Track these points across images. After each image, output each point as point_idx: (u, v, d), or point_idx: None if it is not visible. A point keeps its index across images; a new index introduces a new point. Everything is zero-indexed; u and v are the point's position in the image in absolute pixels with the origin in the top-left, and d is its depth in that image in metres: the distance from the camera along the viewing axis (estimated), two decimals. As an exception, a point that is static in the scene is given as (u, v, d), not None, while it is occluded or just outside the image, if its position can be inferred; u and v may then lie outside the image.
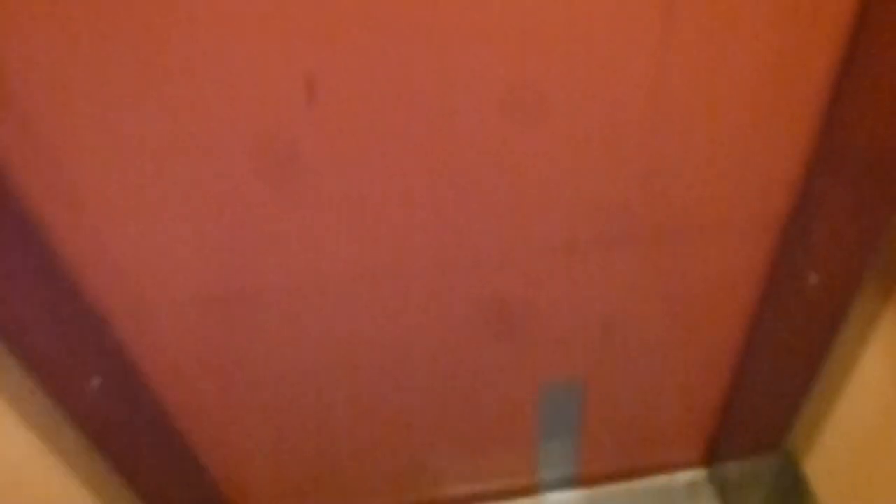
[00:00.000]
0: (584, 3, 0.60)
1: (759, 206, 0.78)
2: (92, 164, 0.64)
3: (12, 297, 0.65)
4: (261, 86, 0.61)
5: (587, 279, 0.84)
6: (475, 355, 0.93)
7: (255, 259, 0.74)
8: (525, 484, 1.19)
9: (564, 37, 0.62)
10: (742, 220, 0.79)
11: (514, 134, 0.68)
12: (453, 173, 0.70)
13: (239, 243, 0.72)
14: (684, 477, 1.22)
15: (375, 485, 1.15)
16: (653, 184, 0.75)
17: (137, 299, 0.76)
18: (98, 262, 0.71)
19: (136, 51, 0.58)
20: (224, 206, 0.69)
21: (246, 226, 0.71)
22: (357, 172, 0.69)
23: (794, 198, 0.77)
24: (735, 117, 0.70)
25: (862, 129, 0.67)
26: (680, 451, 1.19)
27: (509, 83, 0.64)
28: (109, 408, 0.78)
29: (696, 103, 0.68)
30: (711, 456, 1.20)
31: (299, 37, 0.59)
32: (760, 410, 1.01)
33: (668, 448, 1.18)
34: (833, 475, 0.95)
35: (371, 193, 0.71)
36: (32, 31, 0.55)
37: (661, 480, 1.21)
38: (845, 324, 0.79)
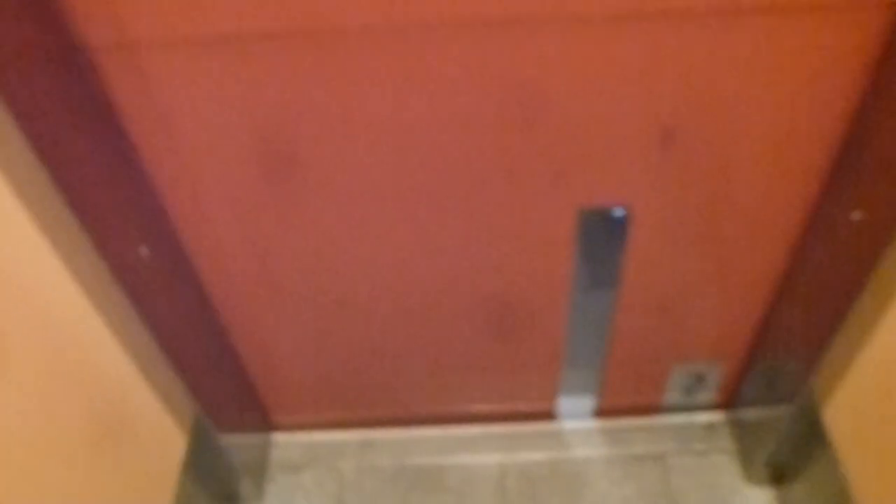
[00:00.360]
0: None
1: (814, 133, 0.78)
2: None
3: (77, 156, 0.68)
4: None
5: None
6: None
7: (302, 135, 0.76)
8: (544, 407, 1.22)
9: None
10: (796, 146, 0.79)
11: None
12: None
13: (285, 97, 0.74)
14: (703, 417, 1.23)
15: (404, 394, 1.19)
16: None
17: (192, 174, 0.79)
18: (155, 130, 0.74)
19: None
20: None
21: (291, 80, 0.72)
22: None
23: (848, 131, 0.76)
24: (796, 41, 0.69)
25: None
26: (703, 396, 1.20)
27: None
28: (153, 277, 0.82)
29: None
30: (733, 399, 1.21)
31: None
32: (787, 355, 1.01)
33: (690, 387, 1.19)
34: (850, 422, 0.96)
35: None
36: None
37: (679, 419, 1.23)
38: (881, 266, 0.78)
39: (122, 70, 0.68)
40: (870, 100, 0.72)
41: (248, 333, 1.05)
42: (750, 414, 1.16)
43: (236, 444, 1.10)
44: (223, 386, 1.06)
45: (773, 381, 1.06)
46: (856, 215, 0.77)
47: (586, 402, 1.22)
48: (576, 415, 1.23)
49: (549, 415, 1.23)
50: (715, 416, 1.23)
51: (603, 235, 0.90)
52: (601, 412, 1.23)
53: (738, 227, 0.90)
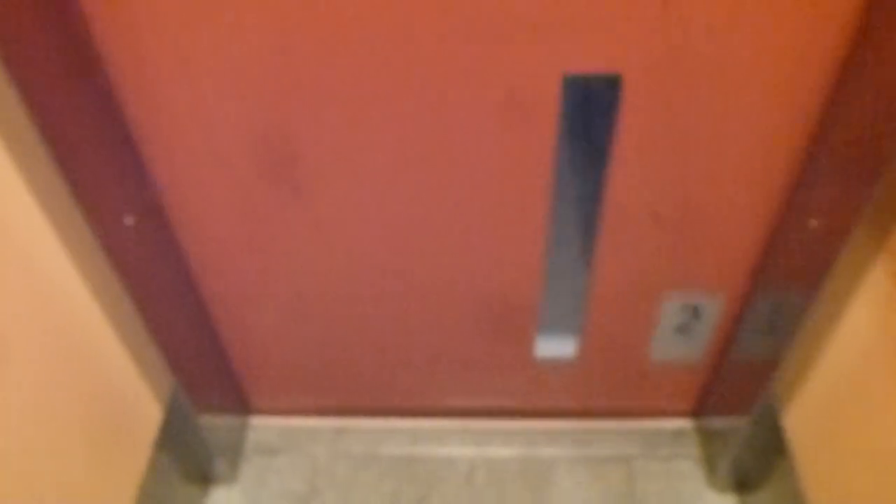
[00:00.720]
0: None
1: (772, 148, 0.81)
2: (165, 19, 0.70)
3: (69, 122, 0.72)
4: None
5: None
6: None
7: (293, 107, 0.79)
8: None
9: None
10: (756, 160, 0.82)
11: None
12: None
13: (280, 96, 0.78)
14: (671, 423, 1.26)
15: (380, 385, 1.22)
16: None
17: (181, 147, 0.82)
18: (147, 103, 0.78)
19: None
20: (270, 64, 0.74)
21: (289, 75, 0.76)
22: None
23: (804, 144, 0.80)
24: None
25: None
26: (670, 399, 1.23)
27: None
28: (138, 248, 0.85)
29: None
30: (700, 408, 1.24)
31: None
32: (750, 363, 1.04)
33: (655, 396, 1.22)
34: (808, 430, 0.98)
35: None
36: None
37: (647, 424, 1.26)
38: (836, 270, 0.81)
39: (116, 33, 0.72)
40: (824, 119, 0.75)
41: (230, 315, 1.08)
42: (715, 421, 1.18)
43: (212, 424, 1.13)
44: (202, 364, 1.09)
45: (738, 385, 1.09)
46: (812, 223, 0.80)
47: (567, 344, 1.15)
48: (556, 358, 1.17)
49: (520, 412, 1.26)
50: (683, 423, 1.26)
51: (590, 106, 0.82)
52: (583, 357, 1.16)
53: (743, 128, 0.81)
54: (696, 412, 1.25)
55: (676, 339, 1.10)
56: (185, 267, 0.98)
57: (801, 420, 1.00)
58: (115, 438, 0.93)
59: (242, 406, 1.26)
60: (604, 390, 1.21)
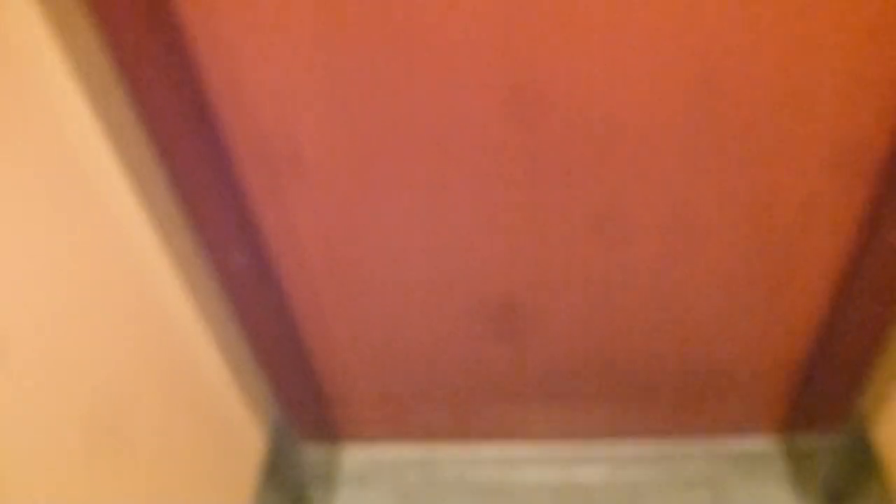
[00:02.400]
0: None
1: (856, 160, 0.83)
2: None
3: (193, 174, 0.80)
4: None
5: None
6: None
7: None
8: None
9: None
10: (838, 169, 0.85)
11: None
12: None
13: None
14: (758, 443, 1.26)
15: (467, 414, 1.26)
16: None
17: (282, 187, 0.89)
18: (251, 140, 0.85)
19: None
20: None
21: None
22: None
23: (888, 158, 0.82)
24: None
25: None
26: (753, 417, 1.23)
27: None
28: (246, 282, 0.92)
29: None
30: (784, 425, 1.24)
31: None
32: (835, 380, 1.05)
33: (741, 412, 1.23)
34: (902, 444, 0.98)
35: None
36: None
37: (733, 444, 1.26)
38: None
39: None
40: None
41: (322, 344, 1.14)
42: (803, 440, 1.18)
43: (310, 452, 1.18)
44: (302, 393, 1.15)
45: (824, 408, 1.09)
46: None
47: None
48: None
49: (606, 435, 1.28)
50: (769, 442, 1.26)
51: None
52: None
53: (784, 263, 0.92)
54: (784, 429, 1.25)
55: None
56: (286, 302, 1.05)
57: (893, 434, 1.00)
58: (224, 463, 0.98)
59: (336, 434, 1.31)
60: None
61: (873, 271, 0.90)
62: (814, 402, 1.13)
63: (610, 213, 0.91)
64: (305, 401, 1.16)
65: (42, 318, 0.64)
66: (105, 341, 0.73)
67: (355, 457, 1.32)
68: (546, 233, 0.94)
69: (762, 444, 1.26)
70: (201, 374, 0.93)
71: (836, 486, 1.13)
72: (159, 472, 0.82)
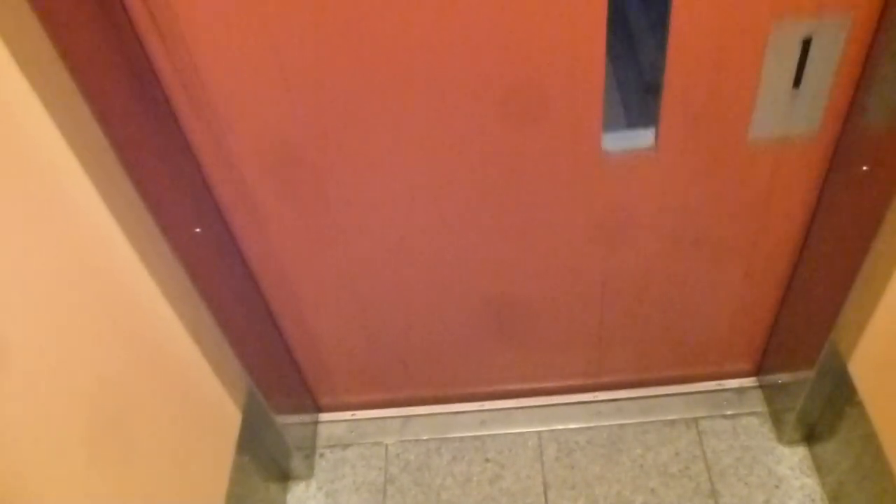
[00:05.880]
0: None
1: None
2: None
3: (146, 152, 0.76)
4: None
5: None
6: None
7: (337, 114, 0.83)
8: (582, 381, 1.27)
9: None
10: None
11: None
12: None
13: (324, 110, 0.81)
14: (732, 383, 1.27)
15: (442, 376, 1.24)
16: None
17: (232, 159, 0.85)
18: (208, 129, 0.81)
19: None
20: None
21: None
22: None
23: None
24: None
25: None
26: (730, 361, 1.24)
27: None
28: (205, 253, 0.89)
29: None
30: (760, 367, 1.25)
31: None
32: (807, 317, 1.05)
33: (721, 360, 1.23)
34: (875, 375, 0.99)
35: None
36: None
37: (710, 385, 1.27)
38: (890, 214, 0.82)
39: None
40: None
41: (295, 317, 1.11)
42: (778, 376, 1.19)
43: (287, 423, 1.16)
44: (274, 367, 1.12)
45: (797, 341, 1.10)
46: (864, 169, 0.81)
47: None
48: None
49: (583, 387, 1.28)
50: (745, 382, 1.27)
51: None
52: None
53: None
54: (760, 371, 1.26)
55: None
56: (250, 272, 1.02)
57: (867, 365, 1.00)
58: (203, 441, 0.97)
59: (313, 405, 1.30)
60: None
61: (840, 206, 0.90)
62: (788, 341, 1.13)
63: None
64: (279, 374, 1.14)
65: (13, 311, 0.63)
66: (83, 331, 0.72)
67: (333, 425, 1.30)
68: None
69: (739, 384, 1.27)
70: (174, 353, 0.90)
71: (811, 419, 1.14)
72: (138, 451, 0.80)
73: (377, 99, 0.81)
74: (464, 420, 1.28)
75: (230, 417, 1.06)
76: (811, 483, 1.15)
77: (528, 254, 1.01)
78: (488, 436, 1.26)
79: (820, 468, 1.15)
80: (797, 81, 0.79)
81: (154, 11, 0.71)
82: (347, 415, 1.31)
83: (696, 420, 1.23)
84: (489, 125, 0.84)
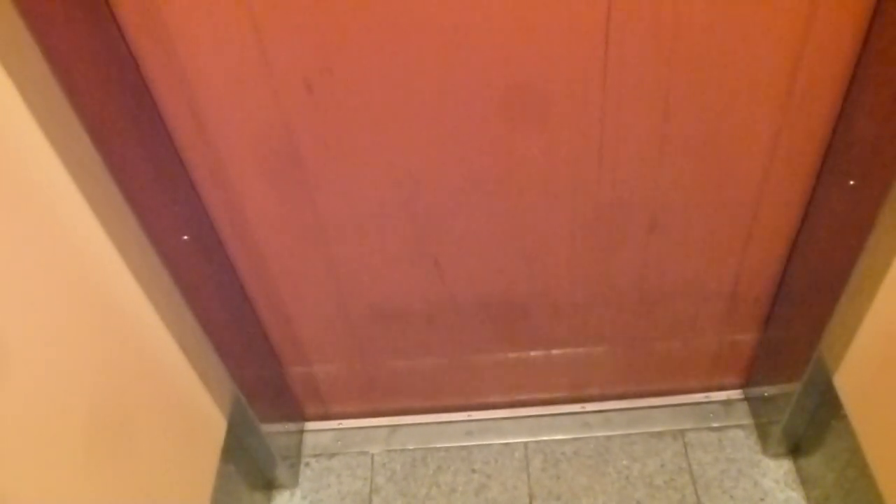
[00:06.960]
0: None
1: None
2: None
3: (133, 159, 0.75)
4: None
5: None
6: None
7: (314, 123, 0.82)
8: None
9: None
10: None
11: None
12: None
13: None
14: (720, 396, 1.27)
15: (429, 386, 1.24)
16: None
17: (222, 164, 0.85)
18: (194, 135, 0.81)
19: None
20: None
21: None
22: None
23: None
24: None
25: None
26: (719, 375, 1.24)
27: None
28: (192, 260, 0.88)
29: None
30: (746, 380, 1.25)
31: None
32: (794, 327, 1.06)
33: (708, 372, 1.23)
34: (860, 389, 0.99)
35: None
36: None
37: (696, 397, 1.27)
38: (878, 228, 0.83)
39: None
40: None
41: (281, 328, 1.11)
42: (764, 389, 1.20)
43: (272, 432, 1.15)
44: (260, 376, 1.12)
45: (783, 354, 1.10)
46: (852, 183, 0.82)
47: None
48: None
49: (570, 399, 1.28)
50: (732, 394, 1.27)
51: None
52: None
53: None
54: (746, 384, 1.26)
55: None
56: (237, 280, 1.01)
57: (853, 378, 1.01)
58: (188, 449, 0.96)
59: (299, 414, 1.29)
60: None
61: (829, 216, 0.90)
62: (775, 354, 1.14)
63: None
64: (265, 382, 1.13)
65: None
66: (69, 339, 0.72)
67: (319, 434, 1.29)
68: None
69: (727, 397, 1.27)
70: (160, 361, 0.90)
71: (797, 432, 1.15)
72: (122, 458, 0.80)
73: (377, 101, 0.81)
74: (450, 430, 1.27)
75: (215, 425, 1.05)
76: (796, 496, 1.15)
77: (522, 256, 1.02)
78: (475, 446, 1.25)
79: (805, 481, 1.16)
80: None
81: (144, 17, 0.71)
82: (333, 424, 1.30)
83: (682, 432, 1.24)
84: (489, 124, 0.84)
